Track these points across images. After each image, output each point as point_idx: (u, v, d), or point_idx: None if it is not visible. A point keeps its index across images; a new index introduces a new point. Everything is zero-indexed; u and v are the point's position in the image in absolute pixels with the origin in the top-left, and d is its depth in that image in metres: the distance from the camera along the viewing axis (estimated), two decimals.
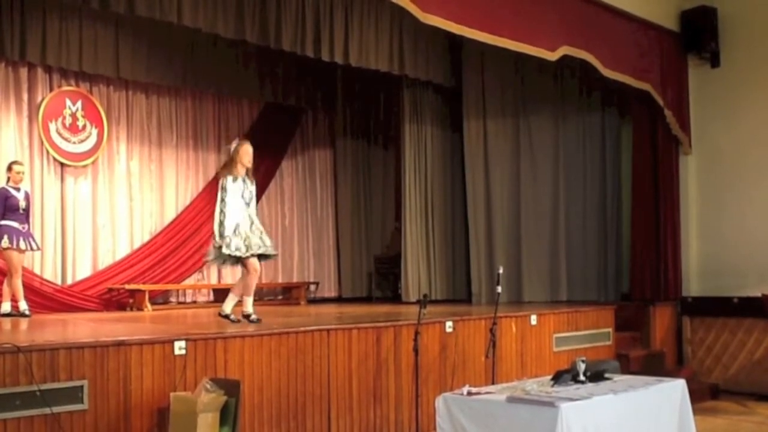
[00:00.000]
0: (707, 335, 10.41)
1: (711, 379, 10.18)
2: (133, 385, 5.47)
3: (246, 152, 7.68)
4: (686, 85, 10.98)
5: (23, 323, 7.94)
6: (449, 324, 7.73)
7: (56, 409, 5.02)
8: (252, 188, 7.85)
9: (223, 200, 7.53)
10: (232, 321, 7.58)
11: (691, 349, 10.55)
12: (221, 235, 7.47)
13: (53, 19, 9.72)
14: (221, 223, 7.51)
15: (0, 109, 9.81)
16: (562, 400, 4.75)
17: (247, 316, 7.64)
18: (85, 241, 10.46)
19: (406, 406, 7.11)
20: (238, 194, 7.66)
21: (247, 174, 7.76)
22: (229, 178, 7.62)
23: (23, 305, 8.62)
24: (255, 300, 8.50)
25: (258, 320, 7.53)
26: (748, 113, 10.48)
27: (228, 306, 7.67)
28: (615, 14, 9.87)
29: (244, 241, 7.58)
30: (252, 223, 7.77)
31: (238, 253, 7.52)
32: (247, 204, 7.74)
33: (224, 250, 7.47)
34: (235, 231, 7.53)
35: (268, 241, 7.80)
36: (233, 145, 7.78)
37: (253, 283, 7.74)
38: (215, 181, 11.60)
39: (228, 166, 7.71)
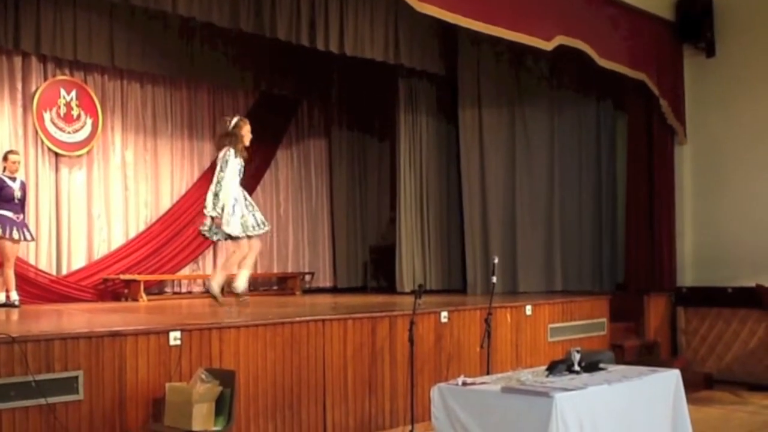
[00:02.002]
0: (701, 325, 10.44)
1: (705, 369, 10.22)
2: (129, 376, 5.48)
3: (248, 131, 8.13)
4: (681, 75, 10.98)
5: (15, 314, 7.93)
6: (444, 314, 7.75)
7: (51, 400, 5.03)
8: (243, 163, 8.18)
9: (222, 171, 7.80)
10: (220, 303, 7.70)
11: (685, 339, 10.58)
12: (214, 206, 7.75)
13: (47, 8, 9.66)
14: (216, 195, 7.78)
15: None
16: (557, 390, 4.76)
17: (238, 293, 8.04)
18: (80, 232, 10.44)
19: (401, 396, 7.12)
20: (238, 171, 7.99)
21: (242, 150, 8.11)
22: (233, 153, 7.92)
23: (14, 295, 8.61)
24: (250, 290, 8.73)
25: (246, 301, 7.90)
26: (743, 103, 10.49)
27: (216, 284, 8.01)
28: (610, 3, 9.87)
29: (241, 219, 7.92)
30: (246, 198, 8.14)
31: (238, 234, 7.88)
32: (241, 179, 8.12)
33: (226, 229, 7.82)
34: (233, 209, 7.82)
35: (260, 217, 8.19)
36: (234, 121, 8.10)
37: (251, 258, 8.20)
38: (211, 168, 11.63)
39: (232, 142, 8.00)
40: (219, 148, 8.21)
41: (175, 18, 9.77)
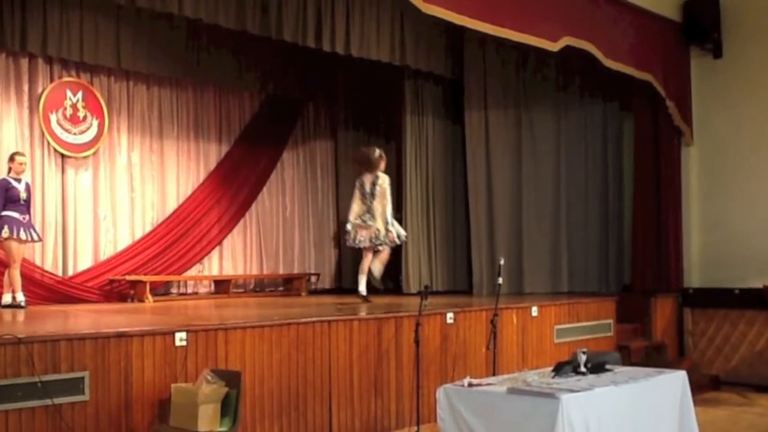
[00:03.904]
0: (708, 327, 10.41)
1: (712, 371, 10.20)
2: (134, 377, 5.48)
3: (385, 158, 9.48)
4: (688, 76, 10.96)
5: (21, 314, 7.95)
6: (450, 315, 7.74)
7: (57, 401, 5.04)
8: None
9: (389, 194, 9.18)
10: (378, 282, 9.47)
11: (692, 341, 10.56)
12: (392, 223, 9.17)
13: (54, 10, 9.68)
14: (392, 214, 9.22)
15: (1, 99, 9.79)
16: (563, 392, 4.75)
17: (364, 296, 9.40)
18: (86, 233, 10.44)
19: (407, 397, 7.12)
20: None
21: None
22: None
23: (20, 296, 8.62)
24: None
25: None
26: (750, 104, 10.47)
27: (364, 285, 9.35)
28: (617, 4, 9.85)
29: (397, 229, 9.36)
30: None
31: (397, 241, 9.39)
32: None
33: (395, 240, 9.28)
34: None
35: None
36: (378, 152, 9.37)
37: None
38: (218, 172, 11.68)
39: (380, 167, 9.26)
40: (364, 172, 9.36)
41: (182, 19, 9.79)
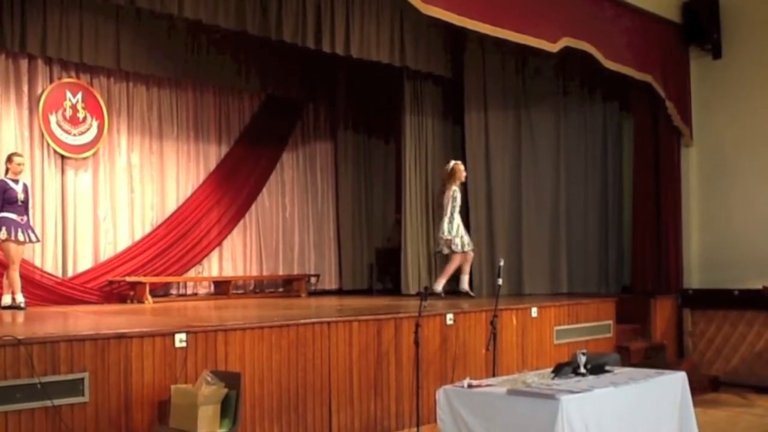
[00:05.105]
0: (708, 327, 10.41)
1: (712, 372, 10.20)
2: (134, 378, 5.48)
3: (462, 170, 10.27)
4: (688, 77, 10.97)
5: (21, 316, 7.94)
6: (450, 316, 7.74)
7: (57, 402, 5.03)
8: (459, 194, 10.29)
9: (453, 204, 9.99)
10: (442, 297, 9.81)
11: (691, 342, 10.56)
12: (449, 232, 10.02)
13: (54, 11, 9.68)
14: (450, 222, 10.01)
15: (0, 100, 9.78)
16: (563, 393, 4.75)
17: (465, 292, 10.25)
18: (86, 234, 10.44)
19: (407, 398, 7.11)
20: (459, 202, 10.19)
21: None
22: (457, 190, 10.09)
23: (20, 297, 8.62)
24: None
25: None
26: (749, 105, 10.48)
27: (440, 286, 10.11)
28: (616, 5, 9.87)
29: (461, 239, 10.15)
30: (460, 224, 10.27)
31: (460, 249, 10.08)
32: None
33: (454, 249, 10.06)
34: (458, 231, 10.09)
35: (468, 239, 10.33)
36: (451, 165, 10.27)
37: (467, 266, 10.37)
38: (218, 173, 11.68)
39: (453, 181, 10.11)
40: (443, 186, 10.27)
41: (181, 20, 9.79)
